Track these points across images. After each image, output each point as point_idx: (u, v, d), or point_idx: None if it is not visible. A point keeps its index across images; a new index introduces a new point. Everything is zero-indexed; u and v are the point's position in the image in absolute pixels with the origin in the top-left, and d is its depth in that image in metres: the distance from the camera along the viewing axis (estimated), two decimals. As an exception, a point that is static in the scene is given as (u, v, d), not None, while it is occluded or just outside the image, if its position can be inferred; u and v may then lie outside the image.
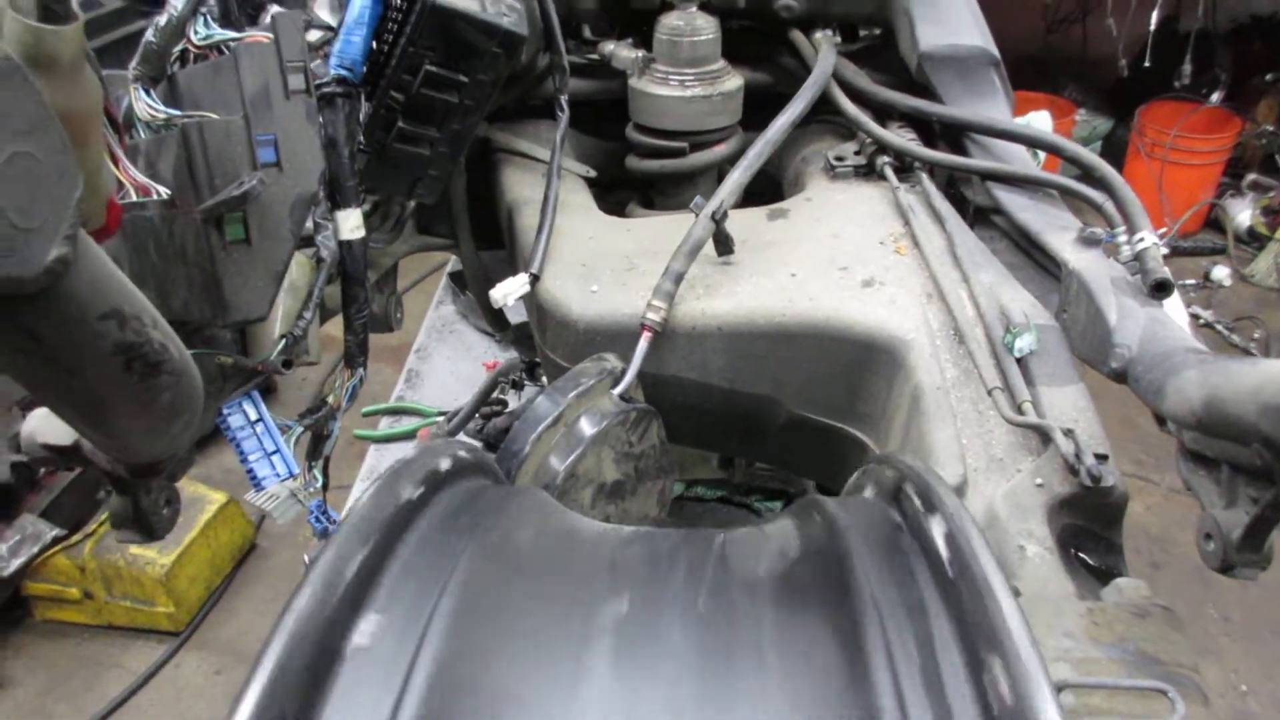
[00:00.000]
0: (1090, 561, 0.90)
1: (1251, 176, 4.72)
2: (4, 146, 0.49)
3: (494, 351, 2.49)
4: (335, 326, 1.21)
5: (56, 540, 3.02)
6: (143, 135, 1.03)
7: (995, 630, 0.50)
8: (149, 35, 1.03)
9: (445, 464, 0.68)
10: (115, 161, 0.92)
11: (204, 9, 1.05)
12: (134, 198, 0.97)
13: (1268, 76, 4.64)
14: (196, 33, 1.03)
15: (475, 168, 1.55)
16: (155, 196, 0.96)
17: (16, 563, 2.92)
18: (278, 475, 1.09)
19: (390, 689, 0.49)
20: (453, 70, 1.19)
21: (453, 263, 2.81)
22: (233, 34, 1.02)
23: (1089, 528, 0.92)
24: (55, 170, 0.51)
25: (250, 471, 1.08)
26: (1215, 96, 4.66)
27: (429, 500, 0.64)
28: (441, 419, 2.04)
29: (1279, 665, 2.84)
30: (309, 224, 1.06)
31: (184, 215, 0.93)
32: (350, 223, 1.11)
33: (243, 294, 0.94)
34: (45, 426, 0.86)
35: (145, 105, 1.02)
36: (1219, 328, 4.15)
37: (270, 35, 0.96)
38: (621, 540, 0.70)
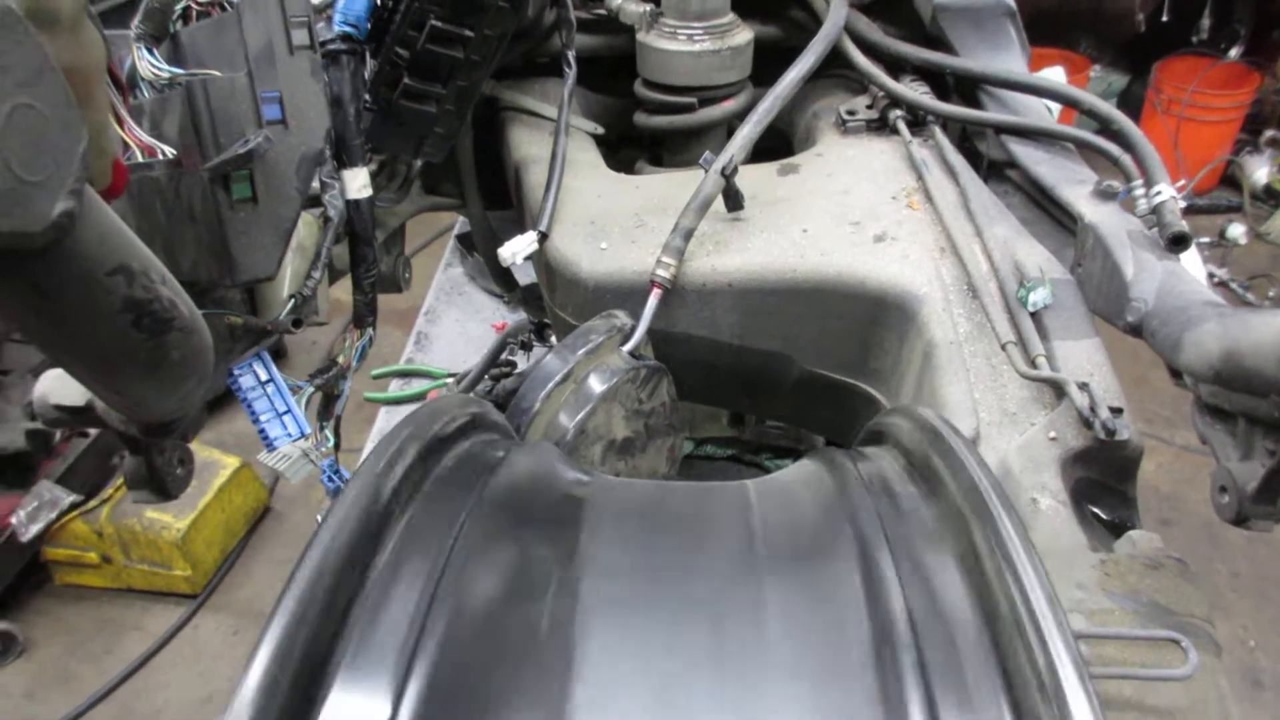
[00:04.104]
0: (1103, 515, 0.90)
1: (1270, 133, 4.65)
2: (6, 99, 0.48)
3: (503, 313, 2.49)
4: (344, 291, 1.20)
5: (74, 506, 3.05)
6: (146, 95, 1.02)
7: (1015, 583, 0.49)
8: (150, -8, 1.02)
9: (447, 427, 0.67)
10: (120, 123, 0.91)
11: (206, -36, 1.03)
12: (140, 159, 0.96)
13: (1288, 30, 4.56)
14: (198, -12, 1.02)
15: (482, 126, 1.54)
16: (161, 157, 0.95)
17: (35, 528, 2.97)
18: (289, 435, 1.09)
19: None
20: (459, 25, 1.17)
21: (460, 224, 2.80)
22: (235, -11, 1.00)
23: (1103, 481, 0.92)
24: (59, 122, 0.51)
25: (262, 432, 1.09)
26: (1234, 52, 4.57)
27: (429, 470, 0.62)
28: (451, 380, 2.04)
29: (1288, 621, 2.85)
30: (315, 183, 1.05)
31: (190, 174, 0.92)
32: (357, 182, 1.10)
33: (251, 253, 0.93)
34: (57, 388, 0.86)
35: (149, 64, 1.01)
36: (1234, 286, 4.12)
37: (273, -11, 0.95)
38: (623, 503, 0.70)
